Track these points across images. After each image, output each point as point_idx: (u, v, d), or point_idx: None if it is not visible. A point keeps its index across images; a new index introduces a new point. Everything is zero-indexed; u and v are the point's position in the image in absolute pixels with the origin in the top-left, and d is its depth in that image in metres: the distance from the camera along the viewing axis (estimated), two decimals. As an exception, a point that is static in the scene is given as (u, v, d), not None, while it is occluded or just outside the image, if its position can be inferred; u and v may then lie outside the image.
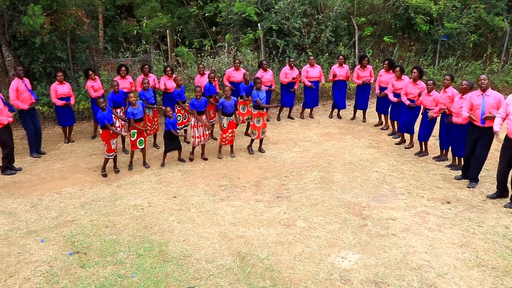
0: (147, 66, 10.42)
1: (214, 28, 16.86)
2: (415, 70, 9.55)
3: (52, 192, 8.14)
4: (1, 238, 6.59)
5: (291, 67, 11.66)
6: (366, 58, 11.52)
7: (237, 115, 9.86)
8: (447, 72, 14.61)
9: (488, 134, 7.61)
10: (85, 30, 13.88)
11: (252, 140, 9.83)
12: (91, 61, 13.81)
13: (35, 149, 9.98)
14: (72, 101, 10.54)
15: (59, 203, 7.71)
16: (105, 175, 8.75)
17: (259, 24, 14.35)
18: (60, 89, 10.19)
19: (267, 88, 11.03)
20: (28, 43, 11.60)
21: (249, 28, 14.63)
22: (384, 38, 15.16)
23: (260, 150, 9.88)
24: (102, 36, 17.47)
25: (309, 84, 11.76)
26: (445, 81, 8.68)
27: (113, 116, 8.77)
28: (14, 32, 11.40)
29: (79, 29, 13.31)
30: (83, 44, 13.45)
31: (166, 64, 13.12)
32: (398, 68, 10.11)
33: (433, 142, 9.88)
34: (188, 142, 10.37)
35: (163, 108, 9.31)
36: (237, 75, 10.94)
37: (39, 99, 11.32)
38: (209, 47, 15.99)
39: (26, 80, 9.71)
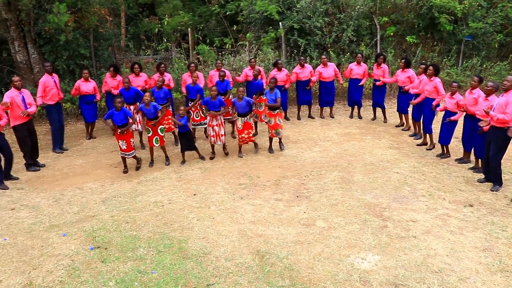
0: (163, 65, 10.50)
1: (235, 27, 16.89)
2: (430, 67, 9.48)
3: (74, 187, 8.27)
4: (25, 231, 6.72)
5: (302, 66, 11.64)
6: (382, 57, 11.43)
7: (255, 113, 9.86)
8: (471, 73, 14.41)
9: (499, 135, 7.47)
10: (108, 28, 14.06)
11: (271, 140, 9.83)
12: (113, 59, 13.97)
13: (59, 145, 10.15)
14: (98, 96, 10.72)
15: (81, 198, 7.83)
16: (125, 172, 8.86)
17: (280, 23, 14.33)
18: (83, 86, 10.34)
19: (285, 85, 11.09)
20: (53, 41, 11.79)
21: (271, 27, 14.63)
22: (407, 38, 14.99)
23: (280, 147, 9.88)
24: (124, 34, 17.68)
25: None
26: (473, 82, 8.50)
27: (130, 119, 8.81)
28: (40, 30, 11.60)
29: (102, 27, 13.49)
30: (105, 42, 13.63)
31: (189, 61, 13.18)
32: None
33: (455, 144, 9.75)
34: (207, 137, 10.43)
35: (176, 122, 9.35)
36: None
37: (63, 96, 11.50)
38: (230, 46, 16.03)
39: (55, 76, 9.90)
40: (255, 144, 9.79)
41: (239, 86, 9.69)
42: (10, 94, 8.55)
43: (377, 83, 11.36)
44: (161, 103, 9.71)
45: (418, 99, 9.77)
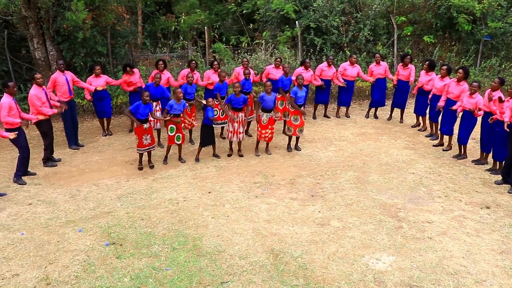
0: (194, 62, 10.54)
1: (251, 25, 16.88)
2: (460, 71, 9.34)
3: (90, 184, 8.34)
4: (41, 226, 6.80)
5: (329, 65, 11.59)
6: (409, 57, 11.30)
7: (276, 111, 9.86)
8: (489, 73, 14.23)
9: None
10: (125, 26, 14.15)
11: (290, 139, 9.82)
12: (130, 56, 14.06)
13: (73, 141, 10.25)
14: (114, 82, 10.91)
15: (97, 194, 7.90)
16: (140, 169, 8.91)
17: (297, 22, 14.30)
18: (94, 82, 10.41)
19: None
20: (71, 38, 11.91)
21: (287, 26, 14.60)
22: (424, 38, 14.85)
23: (296, 147, 9.86)
24: (141, 31, 17.77)
25: (341, 83, 11.67)
26: (493, 84, 8.38)
27: (150, 114, 8.85)
28: (58, 27, 11.72)
29: (119, 24, 13.57)
30: (122, 39, 13.73)
31: (211, 59, 13.21)
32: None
33: (472, 145, 9.65)
34: (224, 138, 10.45)
35: (199, 101, 9.35)
36: (276, 73, 10.87)
37: (79, 92, 11.62)
38: (246, 44, 16.03)
39: (68, 74, 9.97)
40: (267, 145, 9.77)
41: (266, 81, 9.67)
42: (35, 92, 8.66)
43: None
44: (190, 97, 9.81)
45: (442, 102, 9.65)
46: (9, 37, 12.56)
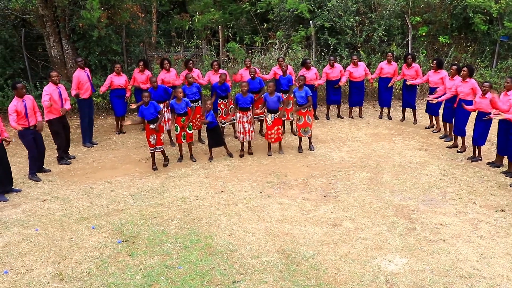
0: (191, 62, 10.57)
1: (265, 25, 16.88)
2: (464, 68, 9.29)
3: (104, 181, 8.41)
4: (55, 222, 6.88)
5: (332, 66, 11.56)
6: (410, 56, 11.25)
7: (283, 111, 9.86)
8: (505, 74, 14.04)
9: None
10: (140, 25, 14.25)
11: (300, 139, 9.81)
12: (144, 55, 14.16)
13: (88, 139, 10.35)
14: (128, 93, 10.91)
15: (110, 192, 7.97)
16: (155, 169, 8.94)
17: (311, 22, 14.27)
18: (116, 80, 10.55)
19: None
20: (86, 36, 12.03)
21: (301, 26, 14.58)
22: (439, 38, 14.72)
23: (310, 147, 9.84)
24: (155, 30, 17.89)
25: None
26: (506, 83, 8.29)
27: (159, 114, 8.87)
28: (74, 26, 11.85)
29: (133, 23, 13.68)
30: (137, 38, 13.84)
31: (214, 58, 13.23)
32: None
33: (487, 147, 9.54)
34: (236, 137, 10.48)
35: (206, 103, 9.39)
36: (280, 73, 10.87)
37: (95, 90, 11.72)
38: (260, 44, 16.04)
39: (87, 70, 10.10)
40: (280, 144, 9.75)
41: (269, 82, 9.68)
42: (49, 90, 8.76)
43: (407, 83, 11.18)
44: (193, 98, 9.76)
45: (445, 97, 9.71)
46: (26, 35, 12.72)
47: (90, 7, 11.00)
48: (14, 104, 8.02)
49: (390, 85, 11.67)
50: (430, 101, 10.11)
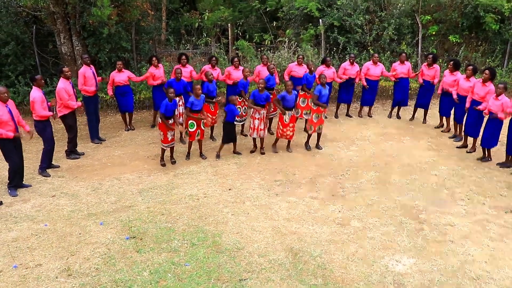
0: (214, 58, 10.58)
1: (275, 23, 16.86)
2: (486, 71, 9.16)
3: (112, 178, 8.44)
4: (64, 218, 6.92)
5: (352, 63, 11.51)
6: (431, 56, 11.12)
7: (297, 108, 9.82)
8: (516, 74, 13.94)
9: None
10: (149, 22, 14.27)
11: (309, 137, 9.78)
12: (153, 52, 14.18)
13: (96, 135, 10.39)
14: (136, 79, 10.97)
15: (118, 188, 8.00)
16: (163, 165, 8.97)
17: (320, 20, 14.23)
18: (117, 77, 10.55)
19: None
20: (96, 33, 12.06)
21: (310, 24, 14.55)
22: (450, 38, 14.62)
23: (318, 146, 9.82)
24: (164, 28, 17.90)
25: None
26: None
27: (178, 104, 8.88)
28: (84, 23, 11.89)
29: (143, 20, 13.70)
30: (146, 35, 13.86)
31: (233, 55, 13.24)
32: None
33: (497, 147, 9.46)
34: (246, 135, 10.46)
35: (220, 99, 9.36)
36: (299, 70, 10.87)
37: (103, 87, 11.76)
38: (269, 42, 16.02)
39: (93, 68, 10.12)
40: (289, 143, 9.74)
41: (288, 80, 9.65)
42: (63, 85, 8.81)
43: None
44: (212, 95, 9.81)
45: (468, 104, 9.45)
46: (37, 32, 12.79)
47: (101, 4, 11.03)
48: (39, 94, 8.13)
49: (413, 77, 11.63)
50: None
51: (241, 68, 10.44)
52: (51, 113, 8.34)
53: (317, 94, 9.27)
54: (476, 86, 9.28)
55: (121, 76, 10.62)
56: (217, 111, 10.23)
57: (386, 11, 14.51)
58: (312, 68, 10.50)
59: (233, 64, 10.57)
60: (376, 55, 11.75)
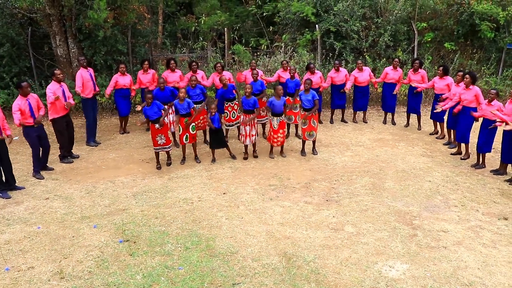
0: (194, 63, 10.58)
1: (271, 28, 16.89)
2: (467, 76, 9.25)
3: (106, 181, 8.43)
4: (57, 221, 6.90)
5: (337, 70, 11.55)
6: (417, 61, 11.23)
7: (288, 115, 9.82)
8: (511, 82, 13.99)
9: None
10: (146, 25, 14.31)
11: (304, 143, 9.80)
12: (149, 55, 14.19)
13: (92, 138, 10.38)
14: (133, 93, 10.95)
15: (112, 191, 7.98)
16: (159, 168, 8.96)
17: (317, 25, 14.27)
18: (121, 80, 10.59)
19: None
20: (92, 36, 12.08)
21: (307, 29, 14.57)
22: (445, 45, 14.68)
23: (313, 152, 9.82)
24: (161, 31, 17.92)
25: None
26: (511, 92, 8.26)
27: (163, 111, 8.85)
28: (80, 25, 11.90)
29: (140, 24, 13.74)
30: (143, 39, 13.88)
31: (218, 60, 13.24)
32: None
33: (491, 154, 9.50)
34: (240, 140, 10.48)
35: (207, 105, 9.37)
36: (285, 76, 10.88)
37: (101, 90, 11.75)
38: (265, 47, 16.05)
39: (91, 70, 10.13)
40: (282, 148, 9.74)
41: (277, 85, 9.68)
42: (53, 88, 8.79)
43: (416, 90, 11.13)
44: (196, 100, 9.73)
45: (459, 107, 9.54)
46: (33, 34, 12.78)
47: (97, 7, 11.05)
48: (18, 103, 8.05)
49: (395, 92, 11.67)
50: (435, 111, 10.07)
51: (224, 73, 10.47)
52: (24, 122, 8.18)
53: (268, 105, 9.32)
54: (462, 91, 9.37)
55: (125, 80, 10.66)
56: (203, 116, 10.06)
57: (383, 17, 14.56)
58: (293, 73, 10.49)
59: (216, 70, 10.49)
60: (360, 61, 11.84)
